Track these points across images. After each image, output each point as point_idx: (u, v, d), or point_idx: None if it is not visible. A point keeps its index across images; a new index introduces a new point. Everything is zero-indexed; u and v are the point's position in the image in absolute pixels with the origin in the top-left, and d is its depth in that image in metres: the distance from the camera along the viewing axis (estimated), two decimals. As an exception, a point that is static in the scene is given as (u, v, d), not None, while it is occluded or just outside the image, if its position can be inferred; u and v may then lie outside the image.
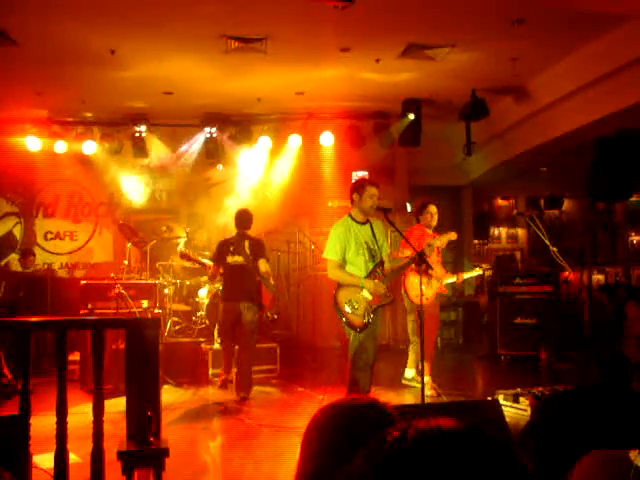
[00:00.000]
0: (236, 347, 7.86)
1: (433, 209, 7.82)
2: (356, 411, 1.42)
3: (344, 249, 6.02)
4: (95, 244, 11.95)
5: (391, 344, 11.13)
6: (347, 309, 5.92)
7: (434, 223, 7.81)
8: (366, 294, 5.94)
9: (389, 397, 7.33)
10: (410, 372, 7.95)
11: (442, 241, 6.57)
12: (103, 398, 3.94)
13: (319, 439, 1.38)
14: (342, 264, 6.03)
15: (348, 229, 6.06)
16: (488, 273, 8.54)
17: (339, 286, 6.02)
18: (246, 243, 7.72)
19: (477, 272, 8.22)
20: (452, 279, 7.78)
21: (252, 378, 7.78)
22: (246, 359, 7.65)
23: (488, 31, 7.43)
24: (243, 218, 7.92)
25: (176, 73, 8.73)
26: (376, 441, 1.04)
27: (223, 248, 7.80)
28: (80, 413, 5.47)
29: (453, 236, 6.98)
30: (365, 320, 5.88)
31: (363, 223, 6.14)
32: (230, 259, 7.71)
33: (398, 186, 11.94)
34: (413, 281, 7.44)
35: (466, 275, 8.02)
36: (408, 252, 6.86)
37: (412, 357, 7.93)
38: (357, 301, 5.91)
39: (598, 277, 13.70)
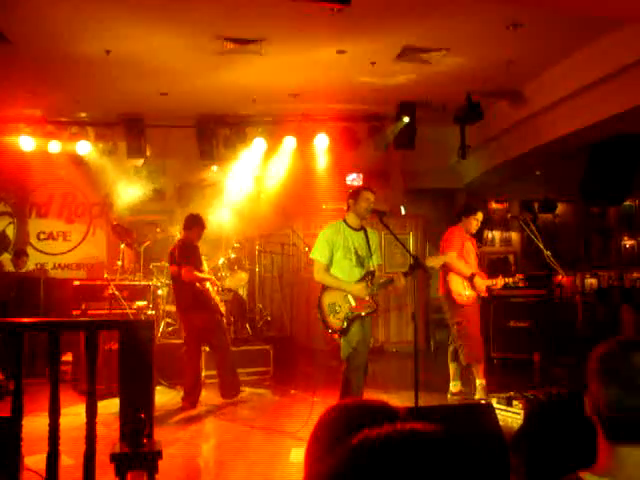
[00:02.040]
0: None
1: (480, 216, 7.73)
2: (367, 411, 1.42)
3: (331, 251, 6.01)
4: (88, 245, 11.92)
5: (384, 347, 11.12)
6: (329, 312, 5.93)
7: (474, 230, 7.74)
8: (350, 299, 5.94)
9: (382, 399, 7.32)
10: (456, 385, 7.78)
11: (436, 262, 6.46)
12: (96, 399, 3.93)
13: (328, 437, 1.38)
14: (328, 266, 6.03)
15: (338, 232, 6.05)
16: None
17: (324, 288, 6.02)
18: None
19: (515, 280, 8.12)
20: (490, 282, 7.66)
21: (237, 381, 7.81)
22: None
23: (483, 35, 7.44)
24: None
25: (171, 74, 8.71)
26: (344, 445, 1.04)
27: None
28: (73, 414, 5.47)
29: (449, 258, 6.91)
30: (344, 325, 5.87)
31: (357, 230, 6.12)
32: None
33: (393, 189, 11.95)
34: (457, 279, 7.46)
35: (505, 280, 7.81)
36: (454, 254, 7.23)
37: (455, 368, 7.77)
38: (340, 305, 5.91)
39: (591, 281, 13.73)
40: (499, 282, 7.59)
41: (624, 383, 1.62)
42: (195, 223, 7.73)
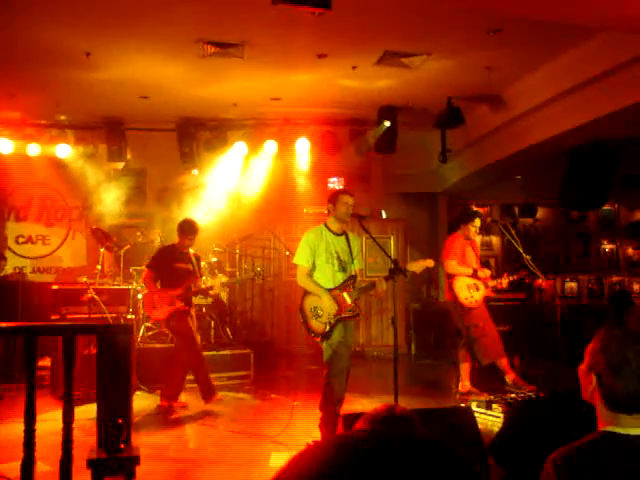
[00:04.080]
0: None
1: (478, 222, 7.92)
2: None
3: (314, 256, 6.01)
4: (68, 248, 11.83)
5: (365, 351, 11.12)
6: (311, 315, 5.92)
7: (473, 237, 7.98)
8: (334, 303, 5.93)
9: (363, 403, 7.33)
10: (465, 385, 7.83)
11: (417, 268, 6.41)
12: (73, 405, 3.89)
13: None
14: (311, 271, 6.03)
15: (320, 237, 6.05)
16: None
17: (306, 292, 6.02)
18: None
19: (519, 276, 8.24)
20: (494, 283, 7.86)
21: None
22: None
23: (464, 40, 7.48)
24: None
25: (152, 77, 8.68)
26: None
27: None
28: (50, 420, 5.41)
29: (430, 263, 6.80)
30: (326, 329, 5.87)
31: (338, 234, 6.12)
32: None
33: (374, 193, 11.96)
34: (462, 284, 7.67)
35: (511, 278, 8.04)
36: (453, 262, 7.68)
37: (465, 368, 7.85)
38: (322, 309, 5.91)
39: (571, 285, 13.82)
40: (504, 281, 7.82)
41: (615, 373, 2.12)
42: (179, 230, 7.69)
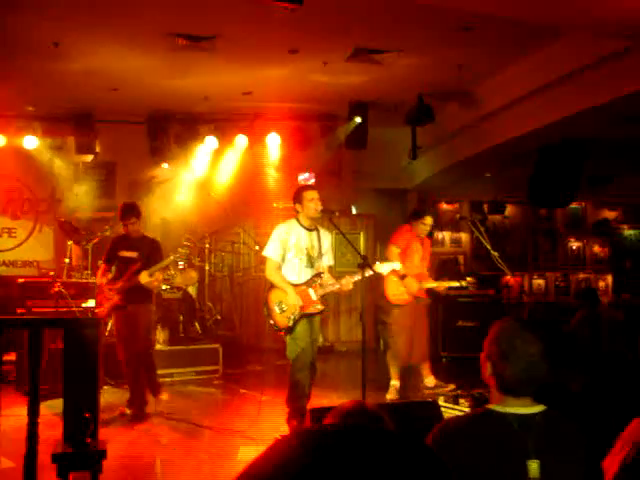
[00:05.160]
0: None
1: (429, 220, 7.71)
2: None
3: (284, 249, 6.01)
4: (35, 241, 11.67)
5: (335, 346, 11.15)
6: (276, 309, 5.94)
7: (423, 234, 7.76)
8: (299, 299, 5.95)
9: (331, 398, 7.35)
10: (430, 380, 7.85)
11: (384, 270, 6.37)
12: (39, 399, 3.84)
13: None
14: (281, 265, 6.03)
15: (290, 230, 6.05)
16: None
17: (272, 286, 6.03)
18: None
19: (461, 284, 8.16)
20: (432, 285, 7.73)
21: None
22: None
23: (435, 37, 7.51)
24: None
25: (122, 69, 8.59)
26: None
27: None
28: (15, 415, 5.36)
29: (397, 266, 6.71)
30: (289, 324, 5.89)
31: (310, 230, 6.12)
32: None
33: (344, 188, 11.98)
34: (392, 282, 7.49)
35: (450, 284, 7.95)
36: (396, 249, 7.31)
37: (393, 367, 7.74)
38: (286, 304, 5.92)
39: (539, 282, 14.00)
40: (442, 285, 7.72)
41: (505, 359, 2.34)
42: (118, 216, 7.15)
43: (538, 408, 2.36)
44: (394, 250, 7.45)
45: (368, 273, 5.81)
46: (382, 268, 6.12)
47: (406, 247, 7.58)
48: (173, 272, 9.57)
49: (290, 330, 5.88)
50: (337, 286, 6.06)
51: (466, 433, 2.31)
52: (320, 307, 6.03)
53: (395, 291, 7.51)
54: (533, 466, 2.21)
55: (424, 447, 1.06)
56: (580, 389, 5.21)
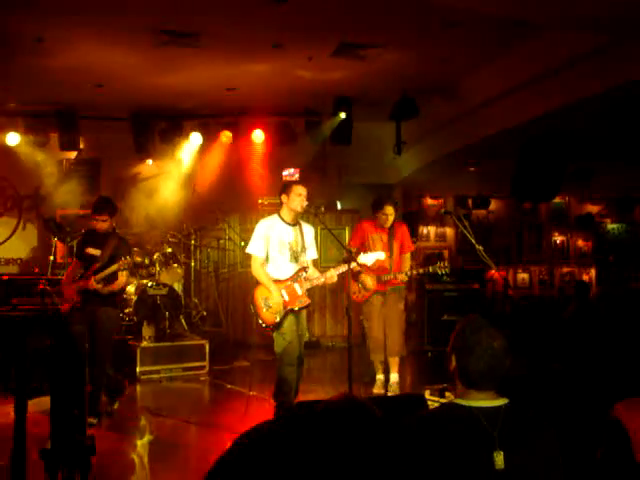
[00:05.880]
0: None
1: (389, 210, 7.41)
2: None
3: (267, 245, 6.02)
4: (18, 239, 11.62)
5: (321, 341, 11.17)
6: (262, 305, 5.95)
7: (387, 225, 7.47)
8: (283, 294, 5.96)
9: (317, 392, 7.37)
10: (380, 377, 7.62)
11: (369, 260, 6.33)
12: (26, 397, 3.84)
13: None
14: (265, 261, 6.04)
15: (273, 226, 6.05)
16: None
17: (258, 283, 6.04)
18: None
19: (437, 267, 7.68)
20: (389, 277, 7.38)
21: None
22: None
23: (419, 32, 7.53)
24: None
25: (106, 65, 8.55)
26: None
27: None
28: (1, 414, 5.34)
29: (381, 255, 6.60)
30: (277, 319, 5.90)
31: (292, 224, 6.13)
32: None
33: (329, 184, 12.00)
34: (352, 280, 7.40)
35: (414, 271, 7.48)
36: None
37: (375, 362, 7.63)
38: (272, 300, 5.93)
39: (523, 275, 14.09)
40: (399, 276, 7.36)
41: (469, 353, 2.46)
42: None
43: (502, 401, 2.44)
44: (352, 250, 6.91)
45: (353, 265, 5.85)
46: (366, 258, 6.12)
47: (363, 242, 7.43)
48: (158, 269, 9.57)
49: (277, 326, 5.90)
50: (322, 279, 6.07)
51: (433, 427, 2.38)
52: (306, 301, 6.05)
53: (354, 288, 7.39)
54: (499, 457, 2.30)
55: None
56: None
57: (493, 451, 2.29)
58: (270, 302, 5.92)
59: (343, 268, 5.90)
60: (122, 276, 6.49)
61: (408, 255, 7.69)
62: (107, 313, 6.46)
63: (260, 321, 5.98)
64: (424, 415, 2.57)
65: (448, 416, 2.42)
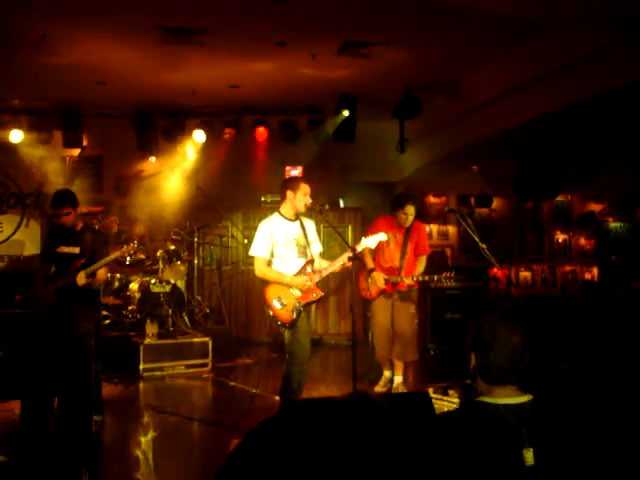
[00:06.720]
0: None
1: (410, 210, 7.22)
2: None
3: (272, 246, 6.02)
4: (22, 236, 11.62)
5: (323, 339, 11.18)
6: (276, 305, 5.93)
7: (407, 225, 7.29)
8: (295, 291, 5.97)
9: (320, 391, 7.38)
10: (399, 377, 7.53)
11: (371, 242, 6.21)
12: (33, 394, 3.85)
13: None
14: (270, 261, 6.04)
15: (275, 225, 6.07)
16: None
17: (267, 283, 6.02)
18: None
19: (433, 278, 7.54)
20: (397, 279, 7.25)
21: None
22: None
23: (423, 30, 7.52)
24: None
25: (109, 63, 8.55)
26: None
27: None
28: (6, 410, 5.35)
29: (383, 237, 6.38)
30: (294, 316, 5.90)
31: (293, 220, 6.14)
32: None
33: (332, 182, 12.00)
34: (361, 274, 7.43)
35: (421, 278, 7.27)
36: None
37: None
38: (286, 297, 5.93)
39: (525, 274, 14.08)
40: (407, 280, 7.22)
41: (488, 350, 2.45)
42: None
43: (526, 397, 2.45)
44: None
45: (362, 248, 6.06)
46: (368, 242, 6.14)
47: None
48: (161, 266, 9.58)
49: (294, 322, 5.88)
50: (330, 269, 6.09)
51: (460, 428, 2.37)
52: (320, 293, 6.05)
53: (363, 284, 7.38)
54: (529, 454, 2.29)
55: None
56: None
57: (522, 448, 2.30)
58: (284, 300, 5.92)
59: (348, 253, 5.91)
60: (103, 271, 6.21)
61: (424, 257, 7.51)
62: (87, 313, 6.06)
63: (277, 321, 5.94)
64: (452, 413, 2.63)
65: (476, 415, 2.44)
